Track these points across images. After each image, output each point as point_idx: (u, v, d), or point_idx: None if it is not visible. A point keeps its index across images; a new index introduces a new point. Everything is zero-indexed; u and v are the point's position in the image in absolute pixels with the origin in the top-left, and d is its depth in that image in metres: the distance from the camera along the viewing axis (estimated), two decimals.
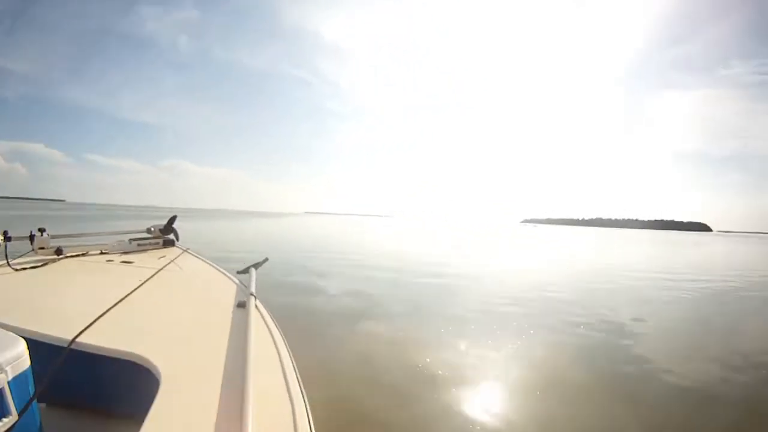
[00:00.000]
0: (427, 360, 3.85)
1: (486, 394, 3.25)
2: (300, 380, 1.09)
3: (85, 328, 1.22)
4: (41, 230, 2.52)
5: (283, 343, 1.33)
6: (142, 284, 1.89)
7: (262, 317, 1.54)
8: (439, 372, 3.50)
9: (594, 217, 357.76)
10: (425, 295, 7.13)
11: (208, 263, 2.58)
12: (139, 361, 1.09)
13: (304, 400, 1.00)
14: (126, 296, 1.65)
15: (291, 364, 1.18)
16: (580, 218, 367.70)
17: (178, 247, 3.11)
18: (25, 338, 0.96)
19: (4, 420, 0.86)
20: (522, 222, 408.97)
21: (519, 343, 4.63)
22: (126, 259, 2.58)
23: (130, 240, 3.00)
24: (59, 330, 1.20)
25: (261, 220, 50.71)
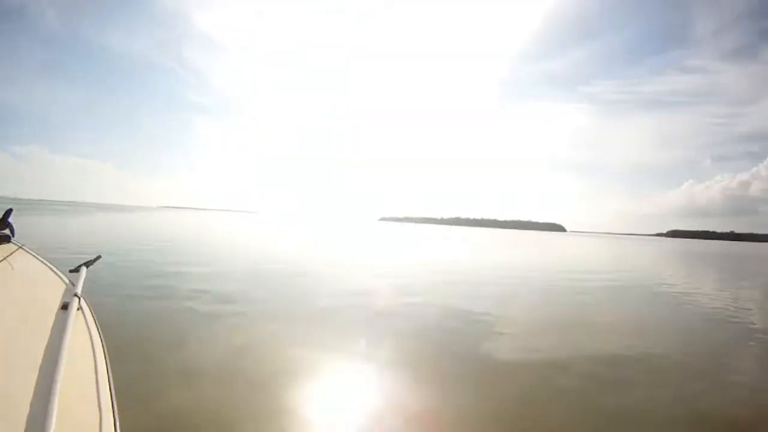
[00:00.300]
0: (262, 359, 3.96)
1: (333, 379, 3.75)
2: (112, 389, 1.05)
3: None
4: None
5: (101, 349, 1.27)
6: None
7: (85, 320, 1.46)
8: (275, 377, 3.56)
9: (453, 216, 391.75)
10: (262, 289, 7.43)
11: (42, 261, 2.41)
12: None
13: (114, 411, 0.95)
14: None
15: (106, 372, 1.13)
16: (440, 217, 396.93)
17: (13, 243, 2.79)
18: None
19: None
20: (380, 220, 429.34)
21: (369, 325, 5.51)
22: None
23: None
24: None
25: (110, 215, 48.34)
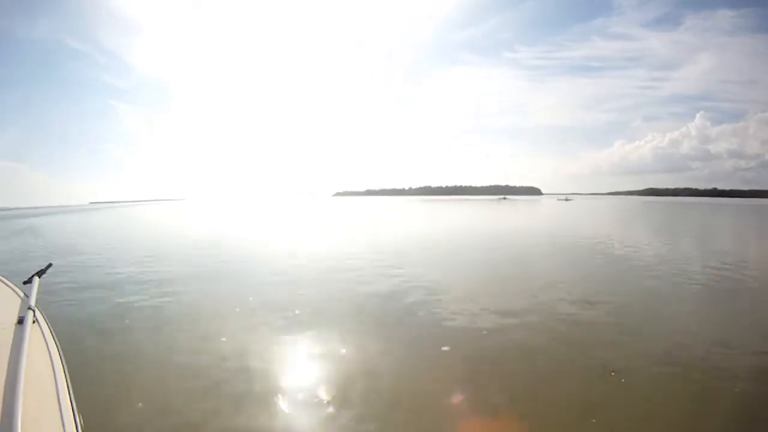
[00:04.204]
0: (221, 358, 4.10)
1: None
2: (74, 403, 1.07)
3: None
4: None
5: (60, 362, 1.29)
6: None
7: (42, 334, 1.48)
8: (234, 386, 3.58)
9: (423, 186, 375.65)
10: (206, 282, 7.77)
11: None
12: None
13: (77, 426, 0.97)
14: None
15: (66, 388, 1.14)
16: (408, 187, 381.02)
17: None
18: None
19: None
20: (334, 195, 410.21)
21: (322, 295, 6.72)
22: None
23: None
24: None
25: (34, 219, 44.62)
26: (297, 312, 5.75)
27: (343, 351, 4.41)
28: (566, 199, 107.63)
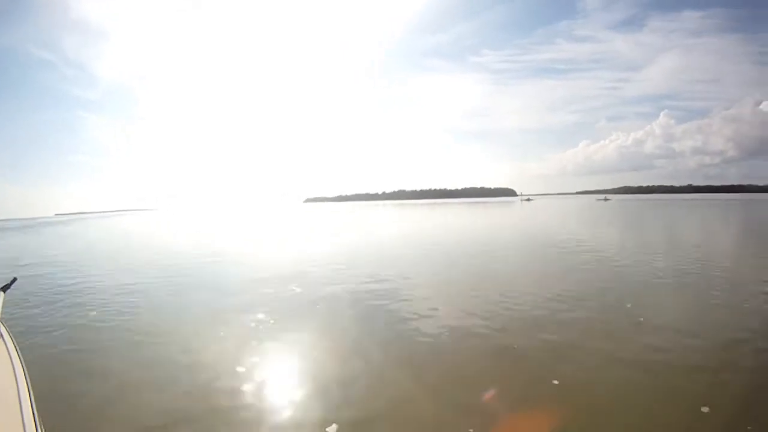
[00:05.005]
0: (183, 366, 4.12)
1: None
2: (37, 420, 1.05)
3: None
4: None
5: (24, 379, 1.28)
6: None
7: (6, 350, 1.47)
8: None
9: (396, 190, 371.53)
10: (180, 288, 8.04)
11: None
12: None
13: None
14: None
15: (30, 403, 1.12)
16: (380, 192, 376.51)
17: None
18: None
19: None
20: (305, 201, 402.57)
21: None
22: None
23: None
24: None
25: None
26: (262, 318, 5.83)
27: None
28: (528, 200, 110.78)
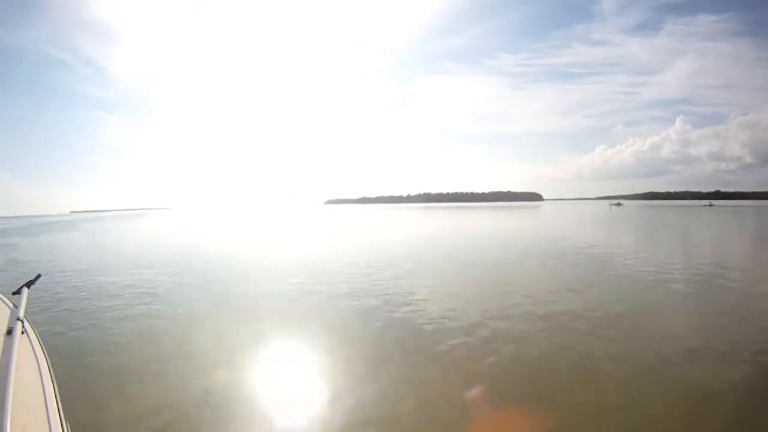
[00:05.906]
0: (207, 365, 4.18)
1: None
2: (62, 415, 1.07)
3: None
4: None
5: (48, 373, 1.30)
6: None
7: (30, 344, 1.49)
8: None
9: (422, 193, 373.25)
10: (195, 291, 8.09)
11: None
12: None
13: None
14: None
15: (54, 399, 1.14)
16: (405, 194, 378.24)
17: None
18: None
19: None
20: (326, 203, 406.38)
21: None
22: None
23: None
24: None
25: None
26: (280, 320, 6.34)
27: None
28: (618, 204, 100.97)
